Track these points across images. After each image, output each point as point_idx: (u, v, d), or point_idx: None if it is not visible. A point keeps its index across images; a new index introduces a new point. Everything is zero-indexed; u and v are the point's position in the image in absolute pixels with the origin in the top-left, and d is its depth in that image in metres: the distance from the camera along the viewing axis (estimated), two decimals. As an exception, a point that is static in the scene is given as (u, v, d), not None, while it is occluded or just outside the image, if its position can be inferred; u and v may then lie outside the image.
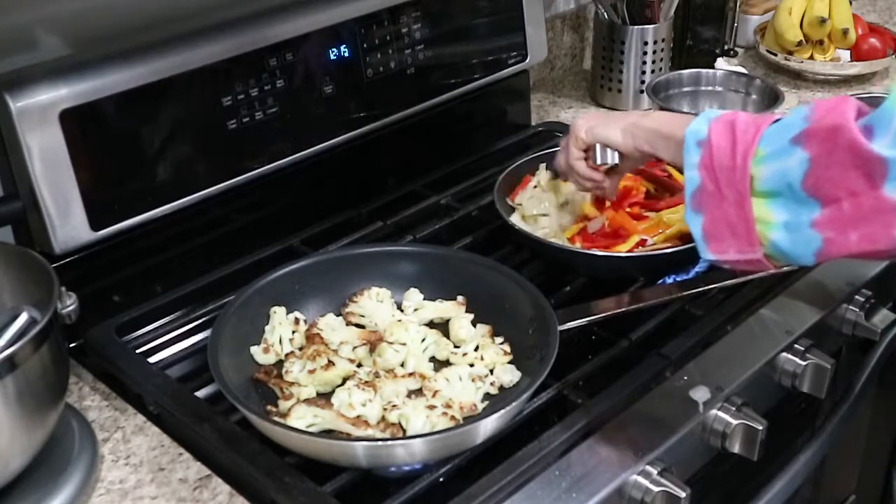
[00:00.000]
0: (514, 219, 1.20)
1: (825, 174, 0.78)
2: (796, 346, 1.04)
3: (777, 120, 0.85)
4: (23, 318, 0.84)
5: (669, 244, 1.13)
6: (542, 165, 1.26)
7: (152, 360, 1.03)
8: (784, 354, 1.03)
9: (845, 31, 1.72)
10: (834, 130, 0.77)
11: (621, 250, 1.12)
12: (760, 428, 0.94)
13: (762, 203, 0.83)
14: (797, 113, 0.82)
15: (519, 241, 1.18)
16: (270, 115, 1.17)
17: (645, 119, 1.01)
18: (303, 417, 0.89)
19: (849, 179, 0.77)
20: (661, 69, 1.63)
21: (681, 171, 1.20)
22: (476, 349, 1.00)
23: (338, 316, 1.06)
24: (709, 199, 0.86)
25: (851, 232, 0.78)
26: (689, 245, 1.09)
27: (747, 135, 0.84)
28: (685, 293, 1.06)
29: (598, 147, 1.07)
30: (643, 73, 1.62)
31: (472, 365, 0.98)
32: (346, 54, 1.23)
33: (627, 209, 1.18)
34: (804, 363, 1.03)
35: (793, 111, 0.84)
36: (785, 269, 0.94)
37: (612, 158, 1.06)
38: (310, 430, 0.89)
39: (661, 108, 1.45)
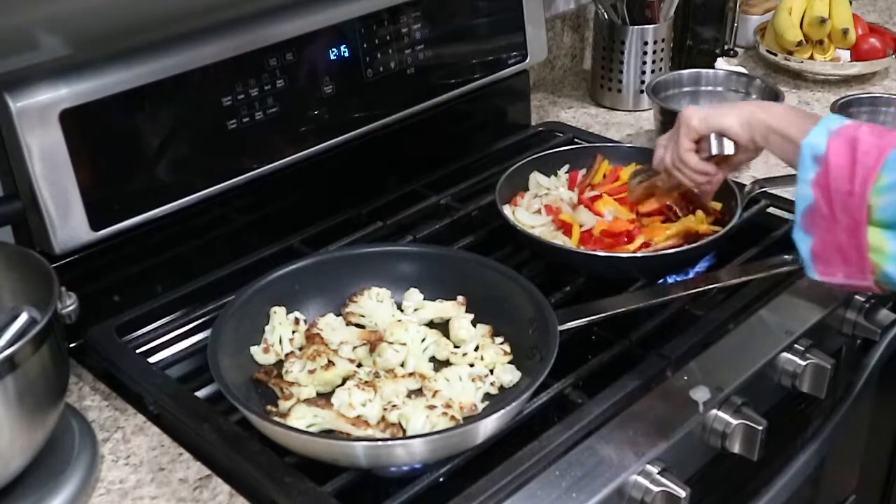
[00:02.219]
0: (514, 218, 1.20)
1: None
2: (796, 346, 1.04)
3: None
4: (23, 318, 0.84)
5: (672, 243, 1.13)
6: (533, 174, 1.27)
7: (152, 360, 1.03)
8: (784, 354, 1.03)
9: (845, 31, 1.72)
10: None
11: (628, 251, 1.12)
12: (760, 428, 0.94)
13: (878, 232, 0.80)
14: None
15: (519, 241, 1.17)
16: (270, 115, 1.17)
17: (762, 112, 0.97)
18: (303, 417, 0.89)
19: None
20: (661, 69, 1.63)
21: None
22: (476, 349, 1.00)
23: (338, 316, 1.06)
24: (821, 221, 0.83)
25: None
26: (691, 246, 1.10)
27: (868, 158, 0.80)
28: (685, 293, 1.06)
29: (713, 137, 1.03)
30: (643, 73, 1.62)
31: (472, 365, 0.98)
32: (346, 54, 1.23)
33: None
34: (804, 363, 1.03)
35: None
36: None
37: (728, 148, 1.02)
38: (310, 430, 0.89)
39: (662, 109, 1.45)
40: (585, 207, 1.20)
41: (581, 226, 1.17)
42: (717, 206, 1.19)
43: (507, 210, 1.20)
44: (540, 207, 1.22)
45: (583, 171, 1.29)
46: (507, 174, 1.25)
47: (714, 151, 1.03)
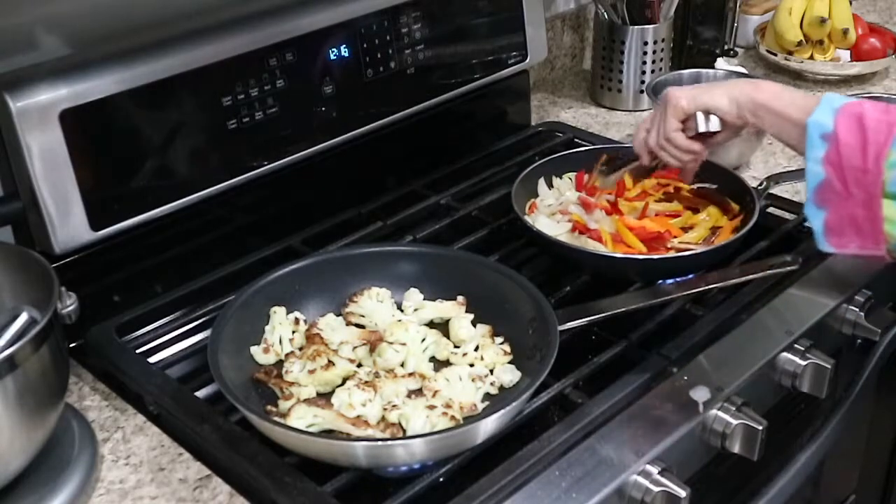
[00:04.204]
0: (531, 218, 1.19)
1: None
2: (796, 346, 1.04)
3: None
4: (23, 318, 0.84)
5: (702, 240, 1.13)
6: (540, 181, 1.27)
7: (152, 360, 1.03)
8: (784, 354, 1.03)
9: (845, 31, 1.72)
10: None
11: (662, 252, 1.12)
12: (760, 428, 0.94)
13: (891, 204, 0.82)
14: None
15: (533, 240, 1.17)
16: (270, 115, 1.17)
17: (754, 90, 0.98)
18: (303, 417, 0.89)
19: None
20: (661, 69, 1.63)
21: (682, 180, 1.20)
22: (476, 349, 1.00)
23: (338, 316, 1.06)
24: (834, 196, 0.85)
25: None
26: (694, 251, 1.10)
27: (879, 134, 0.82)
28: (685, 293, 1.06)
29: (699, 115, 1.04)
30: (643, 73, 1.62)
31: (472, 365, 0.98)
32: (346, 54, 1.23)
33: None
34: (804, 363, 1.03)
35: None
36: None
37: (715, 126, 1.03)
38: (310, 430, 0.89)
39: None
40: (601, 210, 1.19)
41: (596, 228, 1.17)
42: (735, 206, 1.20)
43: (528, 219, 1.18)
44: (556, 212, 1.21)
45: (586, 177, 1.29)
46: (523, 175, 1.24)
47: (701, 129, 1.05)
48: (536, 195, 1.26)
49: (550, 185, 1.27)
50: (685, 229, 1.17)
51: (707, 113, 1.04)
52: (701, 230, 1.16)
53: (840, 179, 0.84)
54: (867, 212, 0.83)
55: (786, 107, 0.93)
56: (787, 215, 1.23)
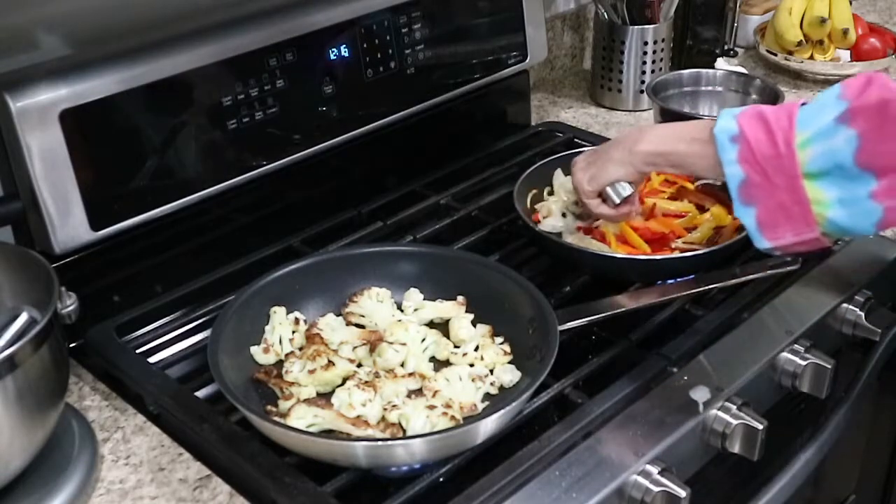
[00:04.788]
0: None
1: (878, 148, 0.81)
2: (796, 346, 1.04)
3: (803, 104, 0.88)
4: (23, 318, 0.84)
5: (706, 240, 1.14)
6: (547, 190, 1.26)
7: (152, 360, 1.03)
8: (784, 354, 1.03)
9: (845, 31, 1.72)
10: (883, 105, 0.80)
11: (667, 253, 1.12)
12: (760, 428, 0.94)
13: (813, 184, 0.85)
14: (827, 95, 0.85)
15: (533, 239, 1.17)
16: (270, 115, 1.17)
17: (636, 143, 1.01)
18: (303, 417, 0.89)
19: None
20: (661, 69, 1.63)
21: (689, 179, 1.21)
22: (476, 349, 1.00)
23: (338, 316, 1.06)
24: (758, 190, 0.87)
25: None
26: (700, 251, 1.10)
27: (781, 121, 0.86)
28: (685, 293, 1.06)
29: (608, 190, 1.06)
30: (643, 73, 1.62)
31: (472, 365, 0.98)
32: (346, 54, 1.23)
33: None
34: (804, 363, 1.03)
35: (819, 95, 0.87)
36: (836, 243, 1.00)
37: (627, 190, 1.06)
38: (310, 430, 0.89)
39: (662, 109, 1.45)
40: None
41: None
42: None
43: (524, 207, 1.18)
44: (564, 211, 1.21)
45: None
46: (521, 180, 1.23)
47: (617, 201, 1.07)
48: (538, 194, 1.26)
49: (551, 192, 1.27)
50: (689, 229, 1.17)
51: (614, 184, 1.06)
52: (704, 230, 1.16)
53: (759, 173, 0.87)
54: (793, 195, 0.86)
55: (670, 145, 0.97)
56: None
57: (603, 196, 1.09)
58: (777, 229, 0.88)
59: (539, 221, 1.20)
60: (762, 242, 0.90)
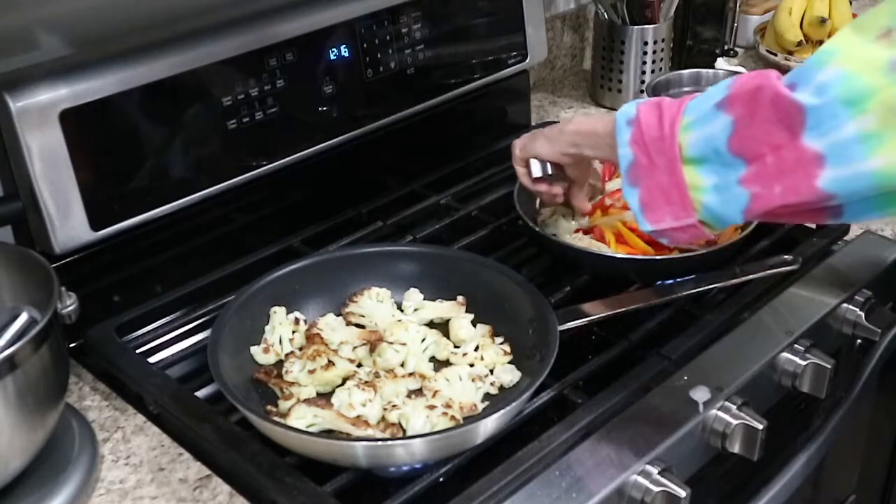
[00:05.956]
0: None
1: (748, 133, 0.81)
2: (796, 346, 1.04)
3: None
4: (23, 318, 0.84)
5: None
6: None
7: (152, 360, 1.03)
8: (784, 354, 1.03)
9: (845, 31, 1.72)
10: (757, 90, 0.81)
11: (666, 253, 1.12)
12: (760, 428, 0.94)
13: (692, 169, 0.86)
14: (721, 84, 0.86)
15: (533, 240, 1.17)
16: (270, 115, 1.17)
17: (567, 124, 1.04)
18: (303, 417, 0.89)
19: (771, 134, 0.80)
20: (661, 69, 1.63)
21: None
22: (476, 349, 1.00)
23: (338, 316, 1.06)
24: (642, 171, 0.89)
25: (776, 185, 0.81)
26: (700, 251, 1.10)
27: (672, 106, 0.88)
28: (685, 293, 1.06)
29: (532, 162, 1.10)
30: (643, 73, 1.62)
31: (472, 365, 0.98)
32: (346, 54, 1.23)
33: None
34: (804, 363, 1.03)
35: (717, 84, 0.88)
36: (718, 236, 1.01)
37: (546, 169, 1.09)
38: (310, 430, 0.89)
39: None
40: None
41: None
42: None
43: (526, 208, 1.18)
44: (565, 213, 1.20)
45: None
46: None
47: (535, 174, 1.10)
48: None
49: None
50: None
51: (540, 159, 1.09)
52: None
53: (644, 154, 0.88)
54: (671, 177, 0.87)
55: (594, 126, 0.99)
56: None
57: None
58: (657, 212, 0.89)
59: (545, 223, 1.20)
60: (644, 224, 0.91)
